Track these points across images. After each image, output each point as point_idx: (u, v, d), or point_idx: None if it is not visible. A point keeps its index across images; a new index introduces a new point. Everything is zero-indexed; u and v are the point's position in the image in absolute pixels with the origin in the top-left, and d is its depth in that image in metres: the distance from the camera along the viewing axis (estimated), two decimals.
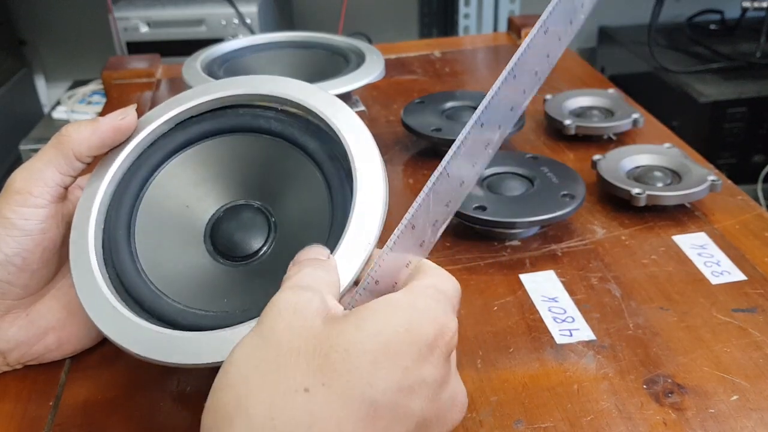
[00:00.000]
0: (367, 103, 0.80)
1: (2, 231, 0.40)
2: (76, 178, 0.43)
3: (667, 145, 0.63)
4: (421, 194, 0.35)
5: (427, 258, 0.36)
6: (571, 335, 0.46)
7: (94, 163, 0.44)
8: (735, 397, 0.41)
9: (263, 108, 0.44)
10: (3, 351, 0.43)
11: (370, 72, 0.63)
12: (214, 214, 0.44)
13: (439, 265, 0.35)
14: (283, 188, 0.43)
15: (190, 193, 0.44)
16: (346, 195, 0.40)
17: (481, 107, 0.34)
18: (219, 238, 0.43)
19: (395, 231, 0.35)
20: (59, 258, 0.44)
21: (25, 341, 0.43)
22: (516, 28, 0.98)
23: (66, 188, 0.43)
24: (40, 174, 0.41)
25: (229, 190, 0.44)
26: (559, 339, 0.46)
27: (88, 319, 0.39)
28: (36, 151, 1.49)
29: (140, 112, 0.44)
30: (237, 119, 0.44)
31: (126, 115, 0.43)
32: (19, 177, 0.41)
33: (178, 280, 0.41)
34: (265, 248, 0.43)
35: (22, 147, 1.44)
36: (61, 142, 0.42)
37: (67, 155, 0.42)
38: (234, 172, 0.44)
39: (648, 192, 0.56)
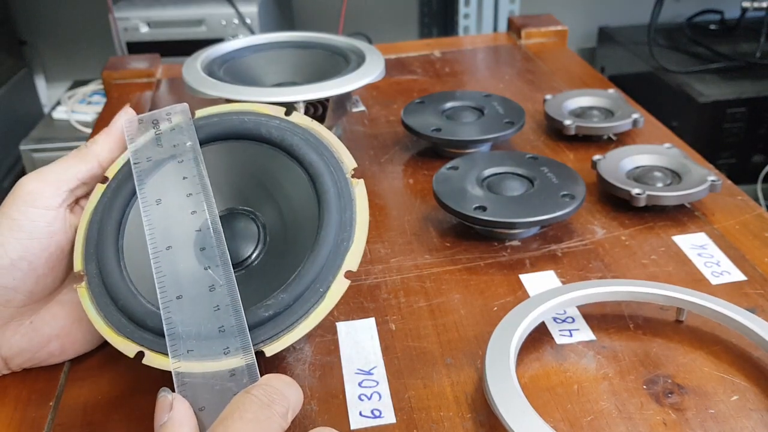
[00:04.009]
0: (367, 103, 0.80)
1: (8, 233, 0.40)
2: (90, 188, 0.44)
3: (667, 145, 0.63)
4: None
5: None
6: (571, 335, 0.46)
7: None
8: (735, 397, 0.41)
9: (269, 116, 0.44)
10: (6, 357, 0.43)
11: (370, 72, 0.63)
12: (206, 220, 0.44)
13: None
14: (276, 198, 0.43)
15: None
16: (339, 214, 0.40)
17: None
18: None
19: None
20: (65, 266, 0.43)
21: (28, 348, 0.43)
22: (516, 28, 0.98)
23: (77, 199, 0.44)
24: (55, 177, 0.42)
25: (223, 196, 0.44)
26: (559, 339, 0.46)
27: (91, 325, 0.39)
28: (36, 150, 1.50)
29: (140, 112, 0.45)
30: (240, 126, 0.44)
31: (126, 111, 0.45)
32: (33, 178, 0.42)
33: None
34: (252, 258, 0.43)
35: (22, 147, 1.45)
36: (83, 151, 0.44)
37: (90, 161, 0.43)
38: (230, 179, 0.44)
39: (648, 192, 0.56)
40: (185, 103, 0.45)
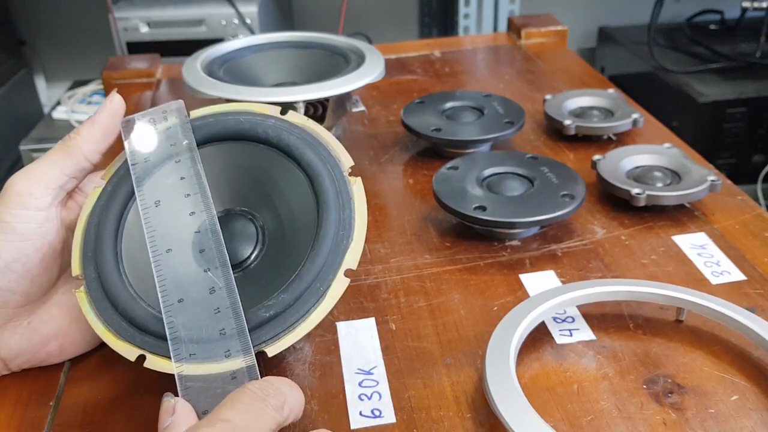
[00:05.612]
0: (367, 103, 0.80)
1: (1, 236, 0.40)
2: (80, 181, 0.43)
3: (667, 145, 0.63)
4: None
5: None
6: (571, 335, 0.46)
7: (100, 166, 0.44)
8: (735, 397, 0.41)
9: (264, 115, 0.44)
10: (5, 358, 0.43)
11: (370, 72, 0.63)
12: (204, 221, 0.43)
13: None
14: (274, 198, 0.43)
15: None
16: (337, 212, 0.40)
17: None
18: None
19: None
20: (60, 264, 0.43)
21: (27, 349, 0.43)
22: (516, 28, 0.98)
23: (68, 193, 0.43)
24: (42, 176, 0.41)
25: (221, 197, 0.44)
26: (559, 339, 0.46)
27: (89, 325, 0.39)
28: (36, 150, 1.50)
29: (138, 110, 0.45)
30: (236, 126, 0.43)
31: (112, 100, 0.44)
32: (20, 178, 0.41)
33: None
34: (251, 259, 0.43)
35: (22, 147, 1.45)
36: (67, 145, 0.42)
37: (75, 156, 0.42)
38: (227, 180, 0.44)
39: (648, 192, 0.56)
40: (180, 100, 0.45)
